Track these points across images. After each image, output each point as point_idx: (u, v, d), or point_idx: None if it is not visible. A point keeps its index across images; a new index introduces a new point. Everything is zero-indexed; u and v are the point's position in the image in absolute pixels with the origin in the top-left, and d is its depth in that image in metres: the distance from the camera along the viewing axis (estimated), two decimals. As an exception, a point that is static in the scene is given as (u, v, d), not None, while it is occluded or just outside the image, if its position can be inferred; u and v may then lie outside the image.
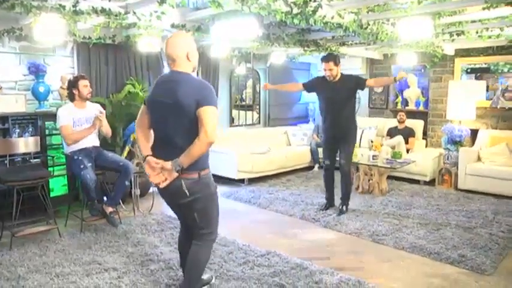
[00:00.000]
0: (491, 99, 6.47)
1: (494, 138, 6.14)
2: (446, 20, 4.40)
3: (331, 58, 4.65)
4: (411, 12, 3.89)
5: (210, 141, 2.36)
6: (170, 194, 2.58)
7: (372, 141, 6.38)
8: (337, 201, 5.03)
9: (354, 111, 4.87)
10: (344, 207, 4.91)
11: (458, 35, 5.04)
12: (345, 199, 4.94)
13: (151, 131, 2.66)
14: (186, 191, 2.47)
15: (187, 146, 2.39)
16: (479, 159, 6.04)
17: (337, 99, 4.69)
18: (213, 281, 3.13)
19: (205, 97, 2.38)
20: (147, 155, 2.53)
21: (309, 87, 5.02)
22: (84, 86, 4.28)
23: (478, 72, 6.75)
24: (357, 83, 4.75)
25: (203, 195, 2.56)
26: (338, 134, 4.79)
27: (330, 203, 5.09)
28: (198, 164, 2.48)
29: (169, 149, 2.46)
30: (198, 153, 2.39)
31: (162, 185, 2.47)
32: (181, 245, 2.95)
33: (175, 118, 2.44)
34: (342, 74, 4.76)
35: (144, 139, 2.64)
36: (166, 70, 6.28)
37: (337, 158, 4.93)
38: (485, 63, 6.65)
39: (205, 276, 3.05)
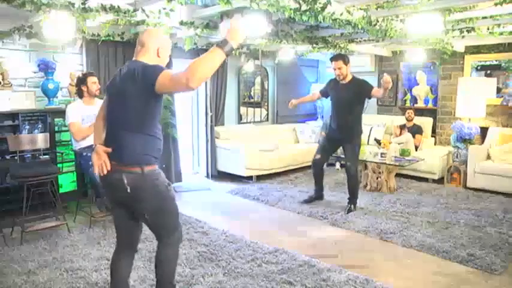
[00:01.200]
0: (502, 96, 6.40)
1: (504, 136, 6.07)
2: (456, 16, 4.35)
3: (340, 57, 4.70)
4: (421, 9, 3.86)
5: (190, 80, 1.98)
6: (112, 188, 2.40)
7: (375, 140, 6.36)
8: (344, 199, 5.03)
9: (360, 116, 4.85)
10: (352, 206, 4.90)
11: (468, 31, 4.98)
12: (353, 198, 4.95)
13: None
14: (127, 187, 2.28)
15: (128, 136, 2.31)
16: (489, 157, 5.98)
17: (344, 100, 4.71)
18: None
19: (150, 72, 2.19)
20: (97, 144, 2.42)
21: (324, 92, 5.07)
22: (93, 83, 4.31)
23: (489, 70, 6.67)
24: (364, 90, 4.65)
25: (150, 194, 2.35)
26: (342, 135, 4.82)
27: (317, 195, 5.21)
28: (141, 158, 2.32)
29: (114, 139, 2.36)
30: (199, 64, 2.01)
31: (101, 172, 2.34)
32: (114, 267, 2.61)
33: (120, 107, 2.32)
34: (354, 76, 4.77)
35: (99, 129, 2.51)
36: (175, 66, 6.31)
37: (340, 157, 4.99)
38: (496, 60, 6.58)
39: None
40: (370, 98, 4.75)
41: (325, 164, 5.11)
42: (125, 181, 2.29)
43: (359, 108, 4.81)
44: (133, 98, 2.26)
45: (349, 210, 4.85)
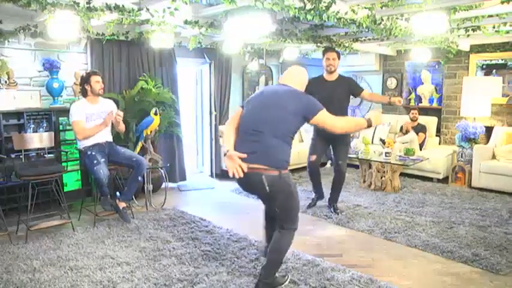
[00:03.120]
0: (508, 95, 6.36)
1: (510, 135, 6.03)
2: (461, 14, 4.32)
3: (335, 50, 4.70)
4: (426, 7, 3.83)
5: (337, 129, 2.90)
6: (251, 186, 2.83)
7: (380, 139, 6.33)
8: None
9: (347, 113, 4.83)
10: (337, 210, 4.85)
11: (474, 30, 4.95)
12: (336, 201, 4.91)
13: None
14: (267, 187, 2.69)
15: (272, 143, 2.72)
16: (494, 156, 5.95)
17: (335, 98, 4.52)
18: (287, 282, 3.10)
19: (310, 107, 2.83)
20: (228, 149, 2.78)
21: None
22: (96, 82, 4.31)
23: (494, 69, 6.63)
24: (354, 88, 4.69)
25: (283, 191, 2.78)
26: (334, 134, 4.60)
27: (319, 197, 5.10)
28: (281, 163, 2.75)
29: (254, 145, 2.73)
30: (350, 124, 3.07)
31: (237, 175, 2.68)
32: (266, 224, 3.26)
33: (275, 118, 2.75)
34: (339, 74, 4.73)
35: (232, 136, 2.88)
36: (178, 66, 6.31)
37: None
38: (502, 59, 6.54)
39: (279, 276, 3.10)
40: (356, 96, 4.77)
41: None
42: (265, 182, 2.69)
43: (347, 105, 4.79)
44: (291, 114, 2.77)
45: (341, 211, 4.81)
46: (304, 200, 5.31)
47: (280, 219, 2.92)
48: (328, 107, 4.65)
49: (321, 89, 4.62)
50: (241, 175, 2.67)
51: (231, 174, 2.71)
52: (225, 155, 2.78)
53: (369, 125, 2.96)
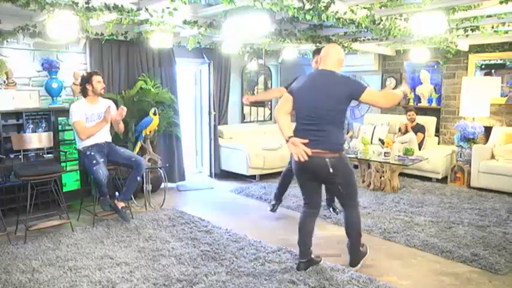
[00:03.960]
0: (507, 95, 6.37)
1: (509, 135, 6.04)
2: (460, 14, 4.33)
3: None
4: (425, 7, 3.84)
5: (387, 104, 3.18)
6: (314, 169, 3.08)
7: (379, 139, 6.33)
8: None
9: None
10: (336, 209, 4.80)
11: (472, 30, 4.96)
12: (334, 200, 4.82)
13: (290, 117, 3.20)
14: (330, 169, 3.01)
15: (329, 129, 3.00)
16: (493, 156, 5.95)
17: None
18: (368, 252, 3.53)
19: (356, 88, 3.03)
20: (290, 136, 3.02)
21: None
22: (98, 82, 4.32)
23: (493, 69, 6.63)
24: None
25: (345, 170, 3.12)
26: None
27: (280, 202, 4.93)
28: (339, 147, 3.08)
29: (314, 132, 3.00)
30: (391, 98, 3.19)
31: (303, 159, 2.93)
32: (302, 224, 3.35)
33: (327, 106, 3.00)
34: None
35: (287, 123, 3.14)
36: (178, 66, 6.32)
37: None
38: (501, 59, 6.54)
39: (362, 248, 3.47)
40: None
41: None
42: (329, 165, 3.01)
43: None
44: (341, 101, 3.03)
45: (336, 210, 4.79)
46: (296, 202, 5.31)
47: (342, 196, 3.25)
48: None
49: None
50: (306, 158, 2.93)
51: (296, 158, 2.97)
52: (287, 141, 3.02)
53: (401, 92, 3.25)
